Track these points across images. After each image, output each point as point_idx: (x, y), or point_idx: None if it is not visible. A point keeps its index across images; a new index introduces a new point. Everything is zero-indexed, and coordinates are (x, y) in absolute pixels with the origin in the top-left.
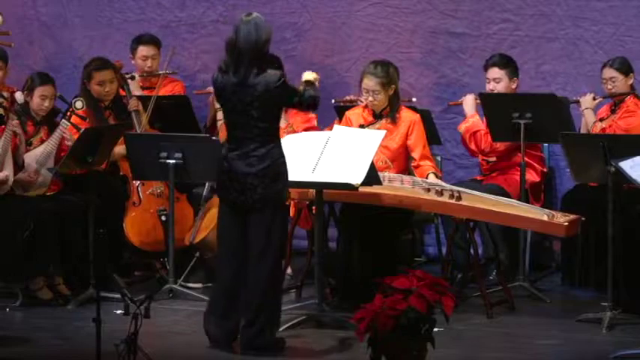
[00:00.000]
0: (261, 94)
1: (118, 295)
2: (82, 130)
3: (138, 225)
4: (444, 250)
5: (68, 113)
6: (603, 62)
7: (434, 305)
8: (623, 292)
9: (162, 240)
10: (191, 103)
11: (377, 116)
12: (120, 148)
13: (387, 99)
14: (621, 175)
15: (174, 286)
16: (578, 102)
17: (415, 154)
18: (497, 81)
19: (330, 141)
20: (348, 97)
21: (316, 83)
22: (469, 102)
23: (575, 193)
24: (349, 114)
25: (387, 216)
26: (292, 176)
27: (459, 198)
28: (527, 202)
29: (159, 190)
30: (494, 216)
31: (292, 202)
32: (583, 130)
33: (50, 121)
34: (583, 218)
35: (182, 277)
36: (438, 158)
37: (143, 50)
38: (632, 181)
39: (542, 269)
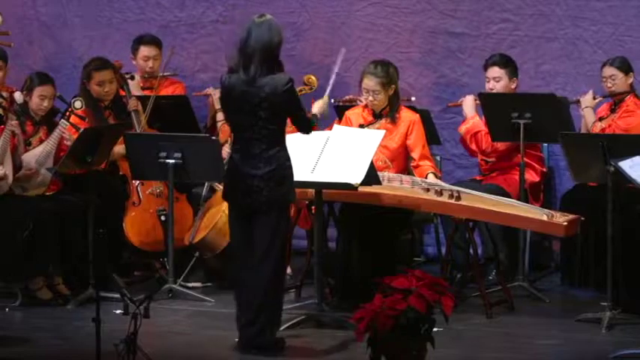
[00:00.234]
0: (269, 96)
1: (117, 295)
2: (82, 129)
3: (137, 225)
4: (443, 250)
5: (67, 113)
6: (603, 61)
7: (433, 305)
8: (623, 291)
9: (161, 240)
10: (190, 103)
11: (376, 116)
12: (119, 148)
13: (387, 99)
14: (621, 174)
15: (173, 285)
16: (578, 102)
17: (415, 154)
18: (497, 80)
19: (330, 141)
20: (347, 97)
21: (319, 115)
22: (468, 103)
23: (574, 192)
24: (349, 114)
25: (386, 216)
26: None
27: (459, 198)
28: (527, 202)
29: (158, 190)
30: (494, 216)
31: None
32: (583, 130)
33: (49, 121)
34: (582, 218)
35: (182, 277)
36: (438, 158)
37: (144, 51)
38: (632, 181)
39: (541, 269)
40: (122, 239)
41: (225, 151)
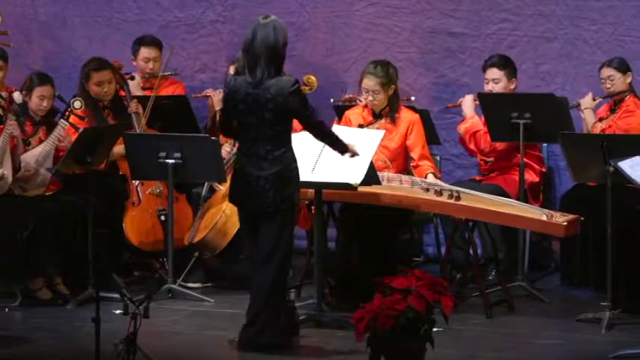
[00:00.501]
0: (275, 97)
1: (117, 295)
2: (81, 130)
3: (137, 225)
4: (443, 250)
5: (67, 113)
6: (603, 62)
7: (433, 305)
8: (623, 291)
9: (161, 240)
10: (190, 103)
11: (376, 116)
12: (119, 148)
13: (387, 99)
14: (621, 175)
15: (173, 286)
16: (578, 105)
17: (414, 154)
18: (496, 82)
19: None
20: (347, 96)
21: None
22: (468, 103)
23: (574, 192)
24: (349, 114)
25: (386, 216)
26: None
27: (458, 198)
28: (526, 202)
29: (158, 190)
30: (494, 216)
31: None
32: (584, 131)
33: (49, 121)
34: (582, 218)
35: (181, 277)
36: (437, 158)
37: (145, 52)
38: (632, 181)
39: (541, 269)
40: (122, 239)
41: (226, 150)
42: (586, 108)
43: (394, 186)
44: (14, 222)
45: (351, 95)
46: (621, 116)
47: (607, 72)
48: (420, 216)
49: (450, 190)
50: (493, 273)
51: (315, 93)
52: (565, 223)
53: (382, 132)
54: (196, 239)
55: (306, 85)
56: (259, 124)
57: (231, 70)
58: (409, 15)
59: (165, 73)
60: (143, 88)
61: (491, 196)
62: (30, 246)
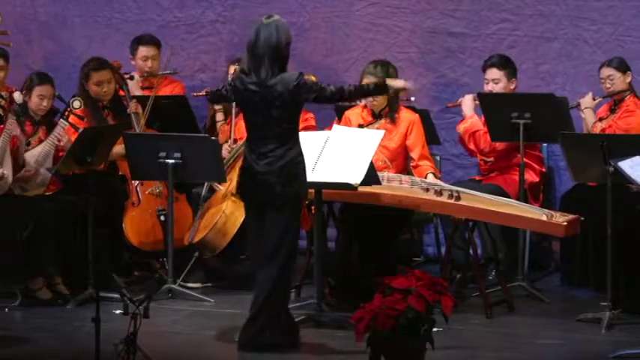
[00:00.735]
0: (281, 94)
1: (117, 295)
2: (81, 130)
3: (137, 225)
4: (443, 250)
5: (66, 113)
6: (603, 62)
7: (433, 305)
8: (623, 291)
9: (161, 240)
10: (189, 103)
11: (376, 116)
12: (119, 148)
13: (387, 99)
14: (620, 175)
15: (173, 286)
16: (578, 105)
17: (414, 154)
18: (496, 82)
19: (329, 141)
20: None
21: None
22: (467, 102)
23: (574, 192)
24: (348, 114)
25: (386, 216)
26: None
27: (458, 198)
28: (526, 202)
29: (158, 190)
30: (494, 216)
31: None
32: (584, 131)
33: (49, 121)
34: (582, 218)
35: (181, 277)
36: (437, 158)
37: (143, 51)
38: (632, 181)
39: (541, 269)
40: (122, 239)
41: (226, 149)
42: (586, 107)
43: (394, 186)
44: (14, 222)
45: None
46: (621, 116)
47: (607, 72)
48: (420, 216)
49: (450, 190)
50: (493, 273)
51: None
52: (565, 223)
53: (382, 132)
54: (196, 239)
55: None
56: (267, 122)
57: (232, 69)
58: (409, 15)
59: (164, 72)
60: (142, 88)
61: (491, 196)
62: (30, 246)
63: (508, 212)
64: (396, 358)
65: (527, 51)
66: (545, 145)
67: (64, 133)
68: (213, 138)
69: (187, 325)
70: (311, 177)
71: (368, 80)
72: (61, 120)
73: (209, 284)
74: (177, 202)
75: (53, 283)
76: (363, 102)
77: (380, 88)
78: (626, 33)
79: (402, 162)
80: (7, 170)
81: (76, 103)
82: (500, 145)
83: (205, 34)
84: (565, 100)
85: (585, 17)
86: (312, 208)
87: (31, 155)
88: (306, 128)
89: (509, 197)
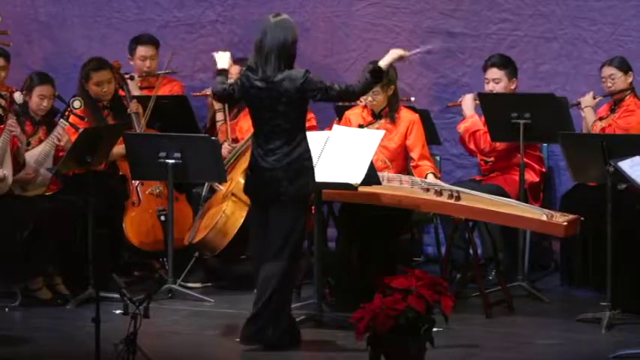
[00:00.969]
0: (288, 90)
1: (117, 295)
2: (81, 130)
3: (137, 225)
4: (443, 250)
5: (67, 113)
6: (603, 62)
7: (433, 305)
8: (623, 291)
9: (161, 240)
10: (190, 103)
11: (376, 116)
12: (119, 148)
13: (386, 99)
14: (620, 175)
15: (173, 286)
16: (578, 104)
17: (414, 154)
18: (497, 81)
19: (330, 141)
20: None
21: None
22: (468, 102)
23: (574, 192)
24: (348, 114)
25: (386, 216)
26: None
27: (458, 198)
28: (526, 202)
29: (158, 190)
30: (494, 216)
31: None
32: (584, 130)
33: (49, 121)
34: (582, 218)
35: (181, 277)
36: (437, 158)
37: (142, 50)
38: (632, 181)
39: (541, 269)
40: (122, 239)
41: (226, 148)
42: (586, 106)
43: (394, 186)
44: (14, 222)
45: None
46: (621, 115)
47: (608, 71)
48: (420, 216)
49: (450, 190)
50: (493, 273)
51: None
52: (565, 223)
53: (382, 132)
54: (196, 239)
55: None
56: (273, 117)
57: (232, 70)
58: (409, 15)
59: (163, 72)
60: (140, 88)
61: (491, 196)
62: (30, 246)
63: (508, 212)
64: (396, 358)
65: (527, 51)
66: (545, 145)
67: (65, 133)
68: (213, 138)
69: (187, 325)
70: None
71: None
72: (61, 120)
73: (209, 284)
74: (177, 202)
75: (53, 283)
76: (363, 102)
77: (376, 72)
78: (626, 33)
79: (402, 162)
80: (7, 170)
81: (77, 103)
82: (500, 145)
83: (205, 34)
84: (565, 100)
85: (585, 17)
86: (312, 208)
87: (31, 155)
88: (307, 128)
89: (509, 197)
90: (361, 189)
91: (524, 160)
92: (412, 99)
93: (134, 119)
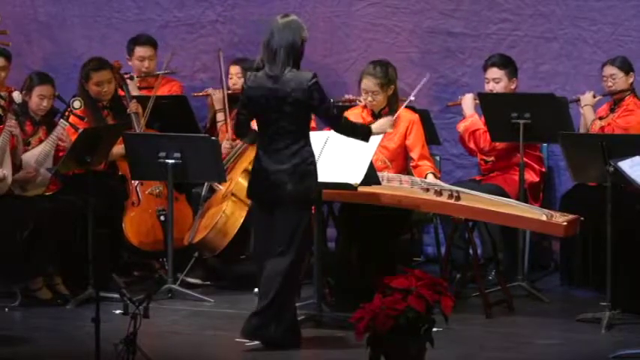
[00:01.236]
0: (294, 91)
1: (117, 295)
2: (81, 130)
3: (137, 225)
4: (443, 250)
5: (67, 113)
6: (604, 61)
7: (433, 305)
8: (623, 291)
9: (161, 240)
10: (189, 103)
11: (376, 116)
12: (119, 148)
13: (386, 99)
14: (620, 175)
15: (173, 286)
16: (578, 100)
17: (414, 154)
18: (497, 81)
19: (329, 141)
20: (347, 97)
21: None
22: (468, 101)
23: (574, 192)
24: (348, 114)
25: (386, 216)
26: None
27: (458, 198)
28: (526, 202)
29: (158, 190)
30: (494, 216)
31: None
32: (582, 128)
33: (49, 121)
34: (582, 218)
35: (181, 277)
36: (437, 158)
37: (140, 51)
38: (632, 181)
39: (541, 269)
40: (122, 239)
41: (226, 147)
42: (586, 105)
43: (394, 186)
44: (14, 222)
45: (350, 96)
46: (621, 115)
47: (609, 70)
48: (419, 216)
49: (450, 190)
50: (493, 273)
51: None
52: (565, 223)
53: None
54: (196, 239)
55: None
56: (279, 118)
57: (231, 70)
58: (409, 15)
59: (162, 72)
60: (139, 88)
61: (491, 196)
62: (30, 246)
63: (508, 212)
64: (396, 358)
65: (527, 51)
66: (545, 145)
67: (66, 133)
68: (213, 138)
69: (187, 325)
70: None
71: (367, 81)
72: (62, 120)
73: (209, 284)
74: (177, 202)
75: (53, 283)
76: (363, 102)
77: (367, 135)
78: (626, 33)
79: (402, 162)
80: (7, 170)
81: (77, 104)
82: (500, 145)
83: (205, 34)
84: (565, 100)
85: (585, 17)
86: (313, 208)
87: (31, 155)
88: None
89: (509, 197)
90: (361, 189)
91: (524, 160)
92: (412, 99)
93: (134, 119)
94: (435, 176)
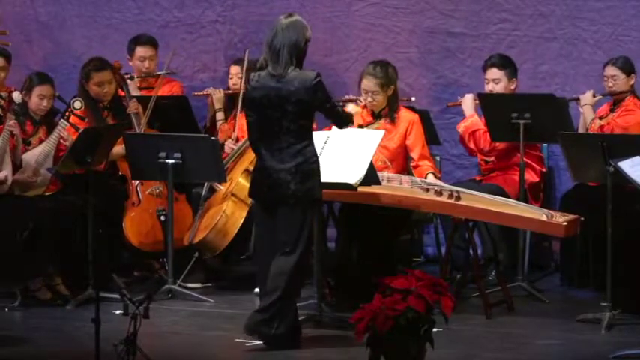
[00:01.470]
0: (298, 90)
1: (117, 296)
2: (81, 130)
3: (137, 225)
4: (443, 250)
5: (67, 113)
6: (606, 60)
7: (433, 305)
8: (623, 291)
9: (161, 240)
10: (190, 103)
11: (376, 116)
12: (119, 149)
13: (386, 99)
14: (620, 175)
15: (173, 286)
16: (578, 99)
17: (414, 154)
18: (497, 82)
19: (329, 141)
20: (347, 97)
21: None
22: (468, 102)
23: (574, 193)
24: None
25: (386, 216)
26: None
27: (458, 198)
28: (526, 202)
29: (158, 190)
30: (494, 216)
31: None
32: (581, 127)
33: (49, 121)
34: (582, 218)
35: (181, 277)
36: (437, 158)
37: (140, 51)
38: (632, 181)
39: (541, 269)
40: (122, 239)
41: (229, 147)
42: (585, 104)
43: (394, 186)
44: (14, 222)
45: (351, 96)
46: (620, 115)
47: (611, 71)
48: (420, 216)
49: (450, 191)
50: (493, 273)
51: None
52: (565, 224)
53: (382, 132)
54: (196, 239)
55: None
56: (282, 117)
57: (231, 70)
58: (409, 15)
59: (162, 72)
60: (140, 88)
61: (490, 196)
62: (30, 246)
63: (508, 212)
64: (396, 358)
65: (526, 51)
66: (545, 145)
67: (67, 133)
68: (213, 138)
69: (187, 325)
70: None
71: (367, 81)
72: (62, 120)
73: (209, 284)
74: (177, 203)
75: (53, 283)
76: (363, 102)
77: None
78: (626, 33)
79: (402, 162)
80: (7, 171)
81: (77, 104)
82: (500, 145)
83: (205, 34)
84: (565, 100)
85: (585, 17)
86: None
87: (32, 155)
88: None
89: (509, 197)
90: (361, 189)
91: (524, 160)
92: (413, 99)
93: (134, 119)
94: (435, 176)
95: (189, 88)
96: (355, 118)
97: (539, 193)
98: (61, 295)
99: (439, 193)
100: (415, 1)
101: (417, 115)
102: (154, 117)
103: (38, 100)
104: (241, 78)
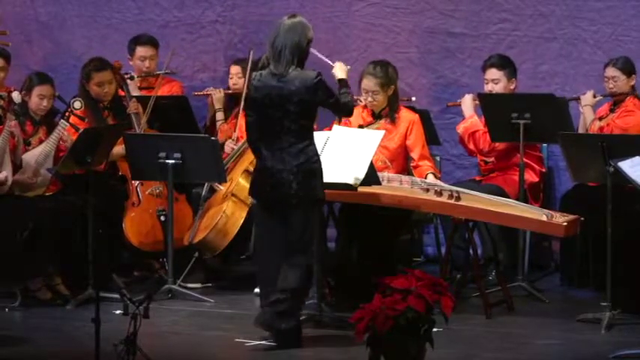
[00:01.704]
0: (299, 89)
1: (117, 296)
2: (81, 130)
3: (137, 225)
4: (443, 250)
5: (67, 113)
6: (606, 61)
7: (433, 305)
8: (623, 291)
9: (161, 240)
10: (190, 103)
11: (376, 116)
12: (119, 149)
13: (386, 99)
14: (620, 175)
15: (173, 286)
16: (578, 99)
17: (414, 154)
18: (496, 82)
19: (329, 141)
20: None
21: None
22: (467, 102)
23: (574, 193)
24: None
25: (386, 216)
26: None
27: (458, 198)
28: (526, 202)
29: (158, 190)
30: (494, 216)
31: None
32: (581, 127)
33: (49, 121)
34: (582, 218)
35: (181, 277)
36: (437, 158)
37: (141, 51)
38: (632, 181)
39: (541, 269)
40: (122, 239)
41: (229, 147)
42: (586, 105)
43: (394, 186)
44: (14, 222)
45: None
46: (620, 115)
47: (611, 72)
48: (420, 216)
49: (450, 191)
50: (493, 273)
51: None
52: (565, 224)
53: (382, 132)
54: (196, 239)
55: None
56: (283, 117)
57: (231, 70)
58: (408, 15)
59: (162, 72)
60: (140, 88)
61: (490, 196)
62: (30, 246)
63: (508, 212)
64: (395, 358)
65: (526, 51)
66: (545, 145)
67: (67, 133)
68: (213, 138)
69: (187, 325)
70: None
71: (367, 81)
72: (62, 120)
73: (209, 284)
74: (177, 203)
75: (53, 283)
76: (363, 102)
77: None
78: (626, 33)
79: (402, 162)
80: (7, 171)
81: (77, 104)
82: (499, 145)
83: (205, 34)
84: (564, 100)
85: (585, 17)
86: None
87: (32, 155)
88: None
89: (509, 197)
90: (361, 189)
91: (524, 160)
92: (413, 99)
93: (134, 119)
94: (435, 176)
95: (189, 88)
96: (343, 72)
97: (539, 193)
98: (61, 295)
99: (439, 193)
100: (415, 1)
101: (417, 115)
102: (154, 117)
103: (38, 100)
104: (242, 78)
